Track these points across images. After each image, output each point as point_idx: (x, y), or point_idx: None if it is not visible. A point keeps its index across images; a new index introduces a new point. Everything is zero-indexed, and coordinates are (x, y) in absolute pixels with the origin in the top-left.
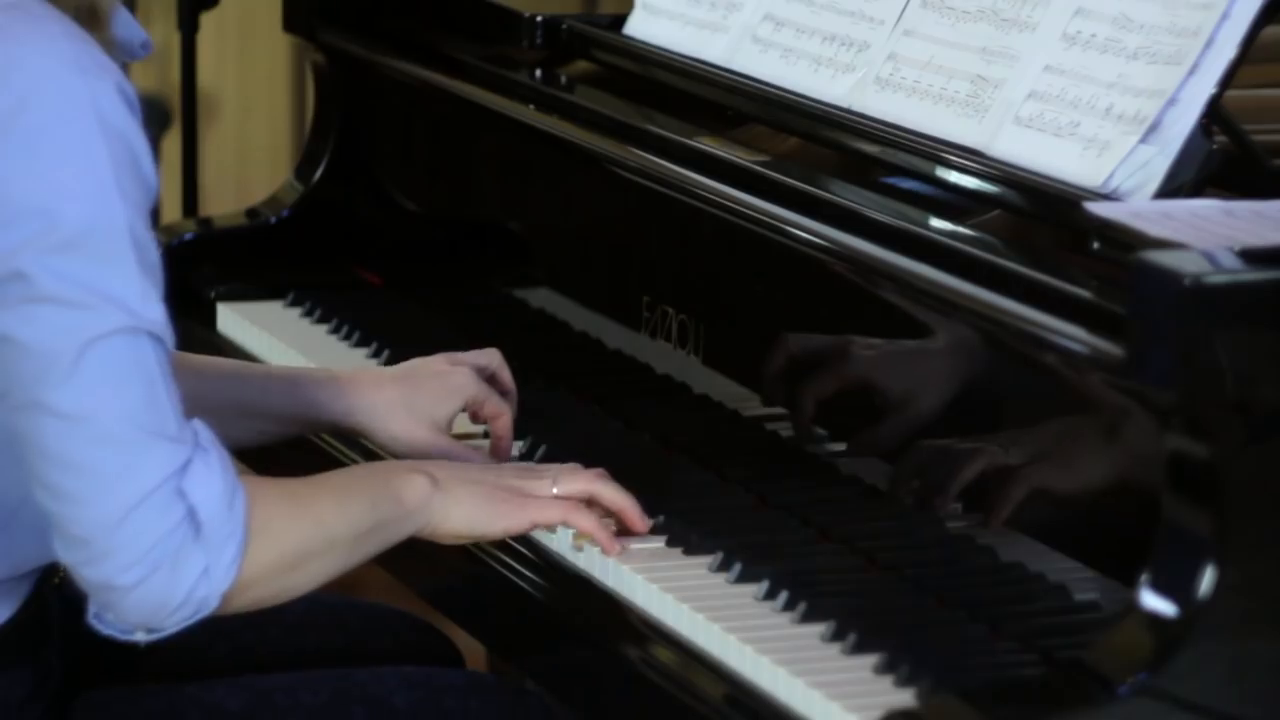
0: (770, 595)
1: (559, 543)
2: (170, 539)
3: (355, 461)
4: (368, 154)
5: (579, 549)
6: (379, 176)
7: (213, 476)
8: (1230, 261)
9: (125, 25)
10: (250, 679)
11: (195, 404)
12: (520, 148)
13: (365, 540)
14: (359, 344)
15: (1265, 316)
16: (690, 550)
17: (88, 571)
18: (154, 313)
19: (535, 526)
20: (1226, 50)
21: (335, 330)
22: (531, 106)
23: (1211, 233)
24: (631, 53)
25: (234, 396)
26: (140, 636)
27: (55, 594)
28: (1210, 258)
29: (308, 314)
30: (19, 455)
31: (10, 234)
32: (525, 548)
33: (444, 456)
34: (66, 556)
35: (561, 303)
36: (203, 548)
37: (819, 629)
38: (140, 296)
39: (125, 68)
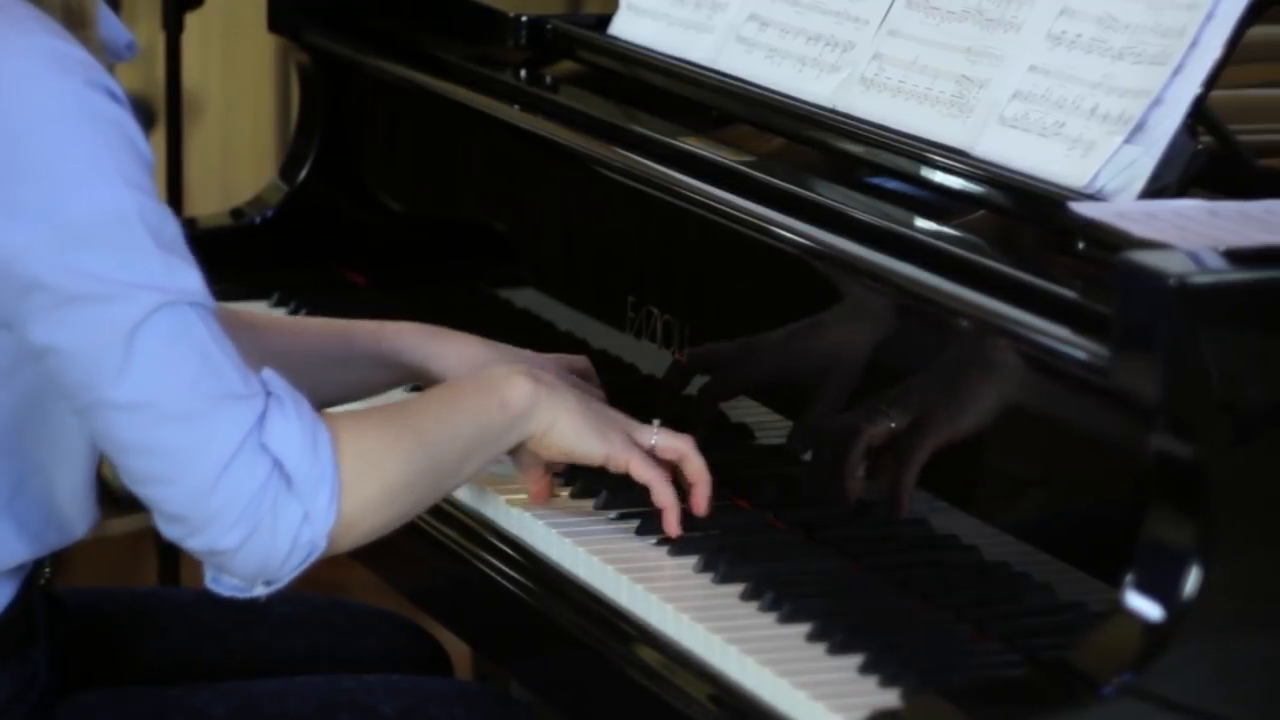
0: (755, 595)
1: (544, 543)
2: (264, 494)
3: None
4: (352, 154)
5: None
6: (364, 177)
7: (289, 424)
8: (1215, 262)
9: (110, 26)
10: (237, 684)
11: (283, 360)
12: (505, 148)
13: (477, 452)
14: None
15: (1250, 316)
16: (675, 551)
17: (192, 543)
18: (186, 282)
19: (629, 470)
20: (1211, 50)
21: None
22: (516, 107)
23: (1196, 233)
24: (616, 53)
25: (320, 348)
26: (259, 590)
27: (41, 595)
28: (1195, 258)
29: (292, 314)
30: (5, 451)
31: (17, 238)
32: (510, 548)
33: None
34: (169, 532)
35: (546, 303)
36: (296, 495)
37: (803, 629)
38: (166, 272)
39: (110, 69)
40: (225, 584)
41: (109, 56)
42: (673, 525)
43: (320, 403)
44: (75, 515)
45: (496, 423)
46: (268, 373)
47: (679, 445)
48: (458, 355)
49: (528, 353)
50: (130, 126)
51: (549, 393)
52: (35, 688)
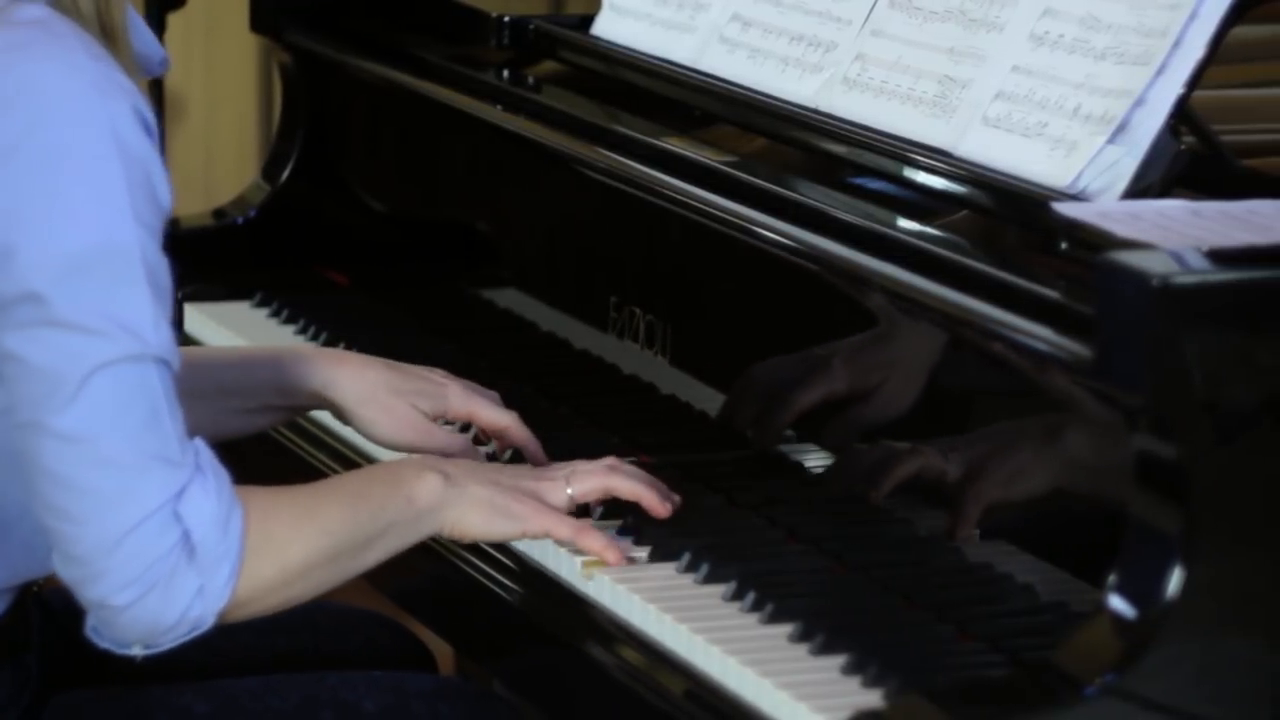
0: (738, 595)
1: (526, 543)
2: (165, 561)
3: (328, 465)
4: (334, 154)
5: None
6: (346, 177)
7: (208, 499)
8: (1198, 262)
9: (144, 41)
10: (219, 683)
11: (184, 395)
12: (487, 148)
13: (376, 544)
14: (325, 344)
15: (1233, 317)
16: (658, 552)
17: (84, 590)
18: (163, 338)
19: (550, 536)
20: (1194, 50)
21: (302, 331)
22: (499, 107)
23: (1179, 233)
24: (599, 53)
25: (218, 378)
26: (137, 651)
27: (36, 602)
28: (1178, 258)
29: (274, 314)
30: (17, 470)
31: (23, 252)
32: (492, 547)
33: (423, 441)
34: (64, 573)
35: (528, 303)
36: (196, 569)
37: (786, 629)
38: (152, 323)
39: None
40: (104, 637)
41: (142, 73)
42: (619, 560)
43: (226, 433)
44: None
45: (402, 517)
46: (199, 443)
47: (596, 485)
48: (355, 380)
49: (423, 370)
50: (155, 168)
51: (456, 489)
52: (28, 690)
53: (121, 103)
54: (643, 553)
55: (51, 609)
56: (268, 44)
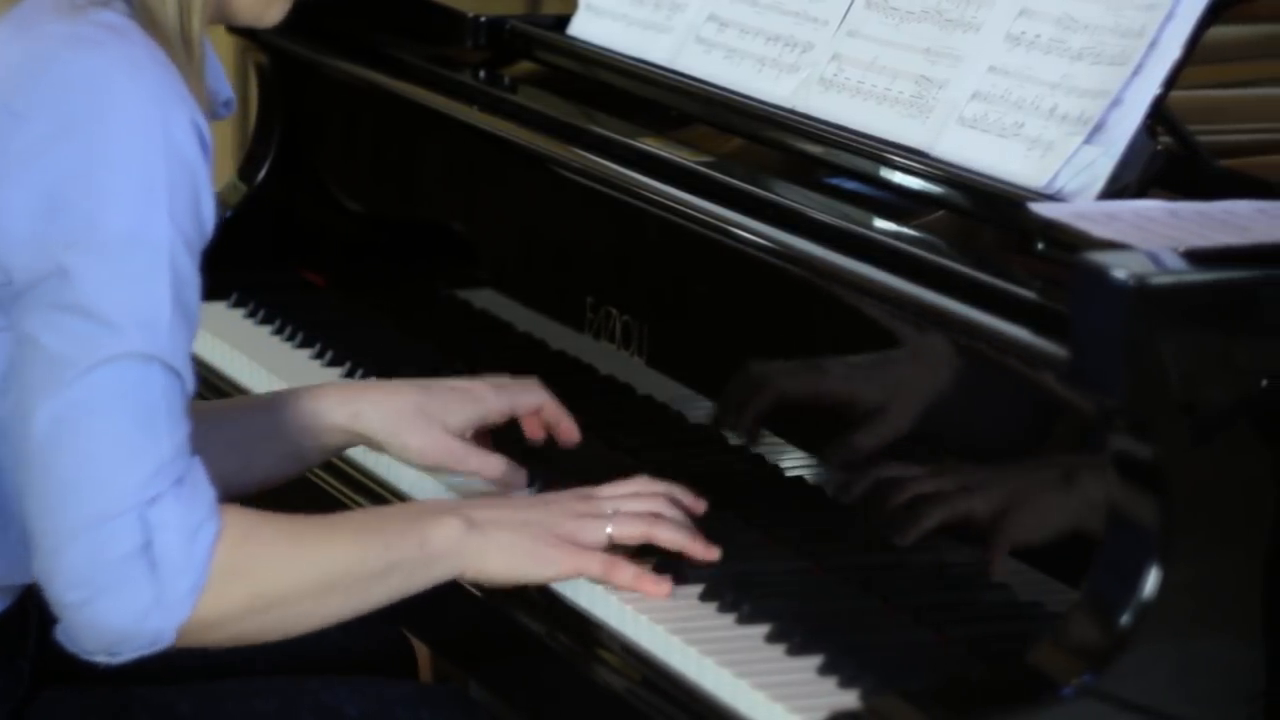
0: (714, 596)
1: None
2: (119, 566)
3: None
4: (311, 155)
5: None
6: (322, 177)
7: (179, 509)
8: (1174, 262)
9: (215, 76)
10: (202, 684)
11: (207, 446)
12: (464, 148)
13: (381, 582)
14: (302, 345)
15: (1209, 317)
16: (634, 552)
17: (46, 585)
18: (177, 347)
19: (580, 576)
20: (1171, 51)
21: (278, 331)
22: (475, 107)
23: (1156, 233)
24: (575, 53)
25: (245, 425)
26: (101, 659)
27: (35, 604)
28: (1154, 258)
29: (251, 315)
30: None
31: (57, 230)
32: None
33: (457, 463)
34: (35, 567)
35: (505, 304)
36: (156, 578)
37: (763, 630)
38: (167, 329)
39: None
40: (70, 640)
41: (207, 109)
42: (653, 588)
43: (257, 482)
44: None
45: (412, 558)
46: (196, 462)
47: (637, 530)
48: (380, 407)
49: (462, 382)
50: (203, 184)
51: (478, 536)
52: (19, 692)
53: (180, 110)
54: (620, 553)
55: (47, 610)
56: (244, 44)
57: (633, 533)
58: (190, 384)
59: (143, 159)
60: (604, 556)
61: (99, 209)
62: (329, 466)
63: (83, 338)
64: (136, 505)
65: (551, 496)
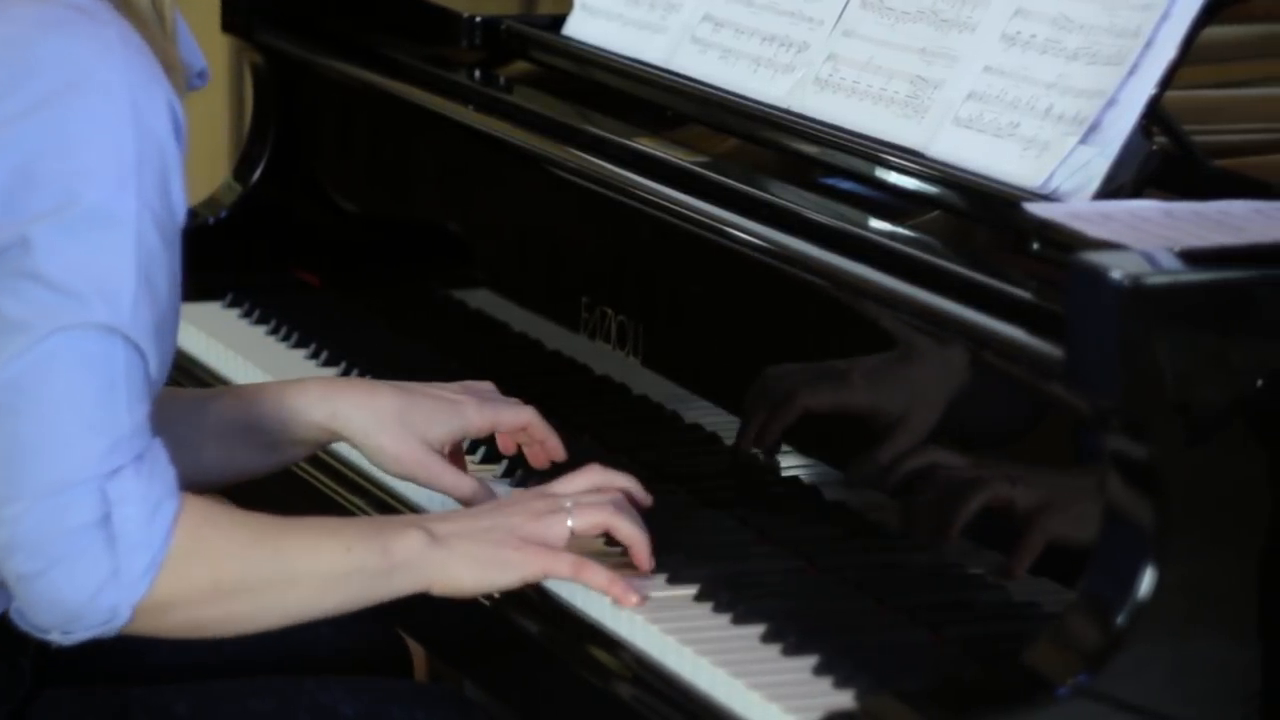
0: (709, 596)
1: None
2: (76, 537)
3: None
4: (306, 155)
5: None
6: (317, 177)
7: (139, 484)
8: (1170, 262)
9: (188, 49)
10: (198, 684)
11: (185, 435)
12: (459, 148)
13: (339, 585)
14: (297, 345)
15: (1205, 317)
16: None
17: (3, 558)
18: (140, 322)
19: (550, 577)
20: (1166, 51)
21: (274, 331)
22: (470, 107)
23: (1151, 234)
24: (570, 53)
25: (226, 416)
26: (55, 637)
27: None
28: (1150, 259)
29: (246, 315)
30: None
31: (26, 205)
32: None
33: (429, 478)
34: None
35: (500, 303)
36: (111, 553)
37: (758, 630)
38: (130, 302)
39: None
40: (22, 617)
41: (183, 81)
42: (626, 598)
43: (236, 472)
44: None
45: (372, 565)
46: (157, 442)
47: (597, 519)
48: (361, 409)
49: (447, 393)
50: (173, 165)
51: (441, 550)
52: (21, 689)
53: (152, 90)
54: (614, 553)
55: None
56: (239, 44)
57: (593, 521)
58: (154, 365)
59: (112, 136)
60: (572, 557)
61: (67, 184)
62: (323, 465)
63: (44, 305)
64: (95, 477)
65: (508, 500)
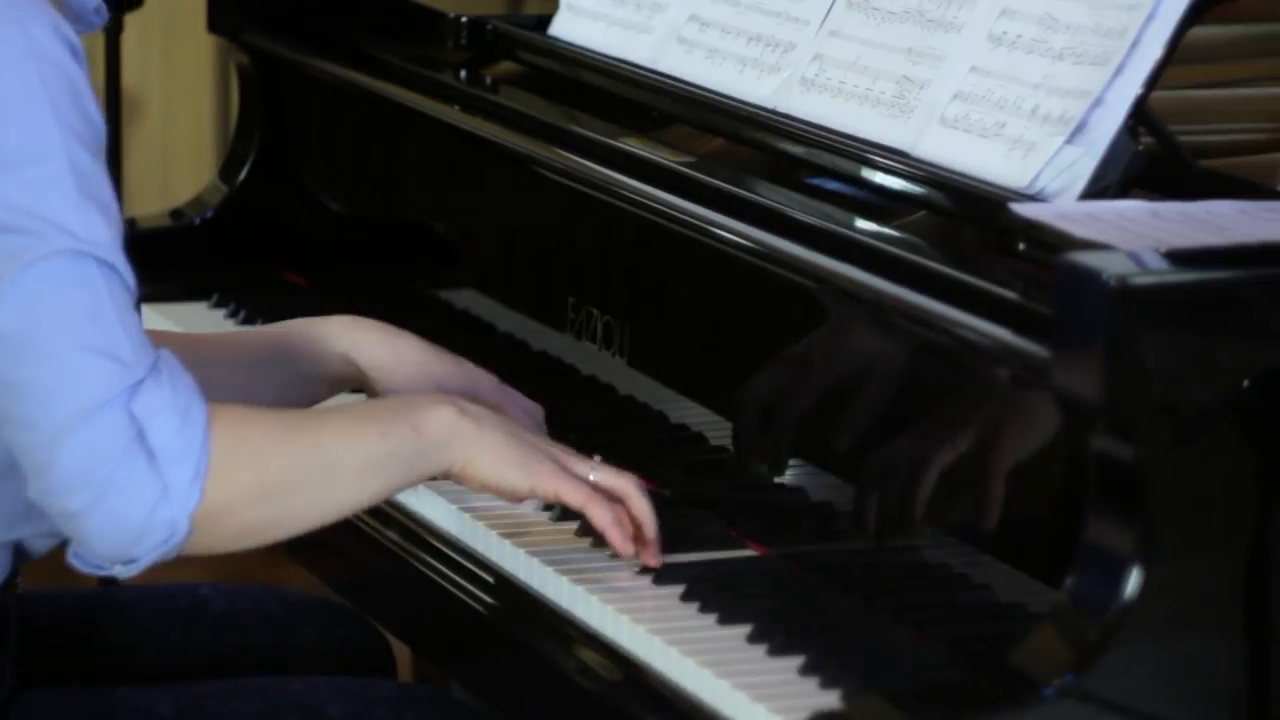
0: (695, 596)
1: (481, 543)
2: (120, 459)
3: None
4: (292, 155)
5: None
6: (304, 177)
7: (163, 394)
8: (1156, 263)
9: None
10: (184, 685)
11: (209, 367)
12: (445, 149)
13: (378, 471)
14: None
15: (1191, 317)
16: (615, 553)
17: (48, 501)
18: (100, 238)
19: (560, 499)
20: (1152, 51)
21: None
22: (456, 107)
23: (1137, 234)
24: (556, 53)
25: (247, 352)
26: (118, 570)
27: (16, 603)
28: (1136, 259)
29: (232, 315)
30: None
31: None
32: (445, 545)
33: (461, 390)
34: (33, 493)
35: (486, 304)
36: (156, 469)
37: (744, 630)
38: (83, 223)
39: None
40: (82, 559)
41: (78, 23)
42: (624, 546)
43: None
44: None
45: (407, 445)
46: (165, 351)
47: (620, 483)
48: (381, 346)
49: (470, 365)
50: (81, 84)
51: (472, 425)
52: (2, 691)
53: (39, 19)
54: (601, 554)
55: (29, 609)
56: (225, 44)
57: (613, 482)
58: (129, 278)
59: (15, 74)
60: (586, 489)
61: None
62: None
63: (4, 251)
64: (114, 398)
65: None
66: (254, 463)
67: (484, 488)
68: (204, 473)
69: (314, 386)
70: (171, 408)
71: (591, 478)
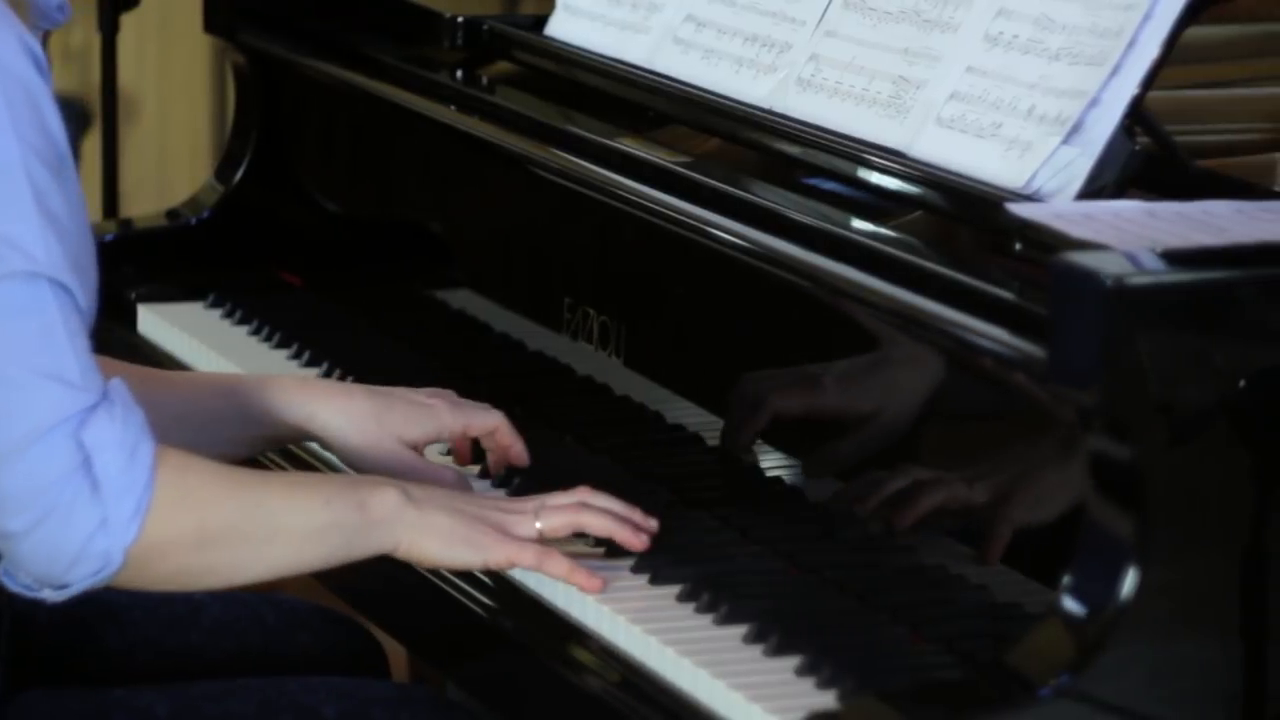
0: (691, 597)
1: None
2: (62, 486)
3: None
4: (288, 155)
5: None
6: (300, 178)
7: (114, 426)
8: (1152, 263)
9: None
10: (180, 686)
11: (165, 417)
12: (441, 149)
13: (318, 540)
14: (279, 345)
15: (1187, 318)
16: (611, 552)
17: None
18: (57, 262)
19: (513, 566)
20: (1149, 51)
21: (256, 332)
22: (452, 107)
23: (1134, 234)
24: (552, 53)
25: (205, 406)
26: (47, 594)
27: (6, 605)
28: (1132, 259)
29: (228, 315)
30: None
31: None
32: None
33: (410, 471)
34: None
35: (482, 304)
36: (99, 499)
37: (741, 630)
38: (41, 243)
39: (45, 36)
40: (12, 578)
41: (42, 21)
42: (590, 585)
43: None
44: None
45: (350, 519)
46: (116, 380)
47: (566, 521)
48: (338, 414)
49: (420, 396)
50: (43, 99)
51: (414, 510)
52: None
53: (3, 33)
54: (597, 554)
55: (19, 611)
56: (221, 45)
57: (560, 522)
58: (81, 298)
59: None
60: (537, 547)
61: None
62: (292, 457)
63: None
64: (63, 423)
65: (473, 494)
66: (196, 509)
67: (437, 567)
68: (145, 510)
69: (261, 444)
70: (120, 443)
71: (538, 526)
